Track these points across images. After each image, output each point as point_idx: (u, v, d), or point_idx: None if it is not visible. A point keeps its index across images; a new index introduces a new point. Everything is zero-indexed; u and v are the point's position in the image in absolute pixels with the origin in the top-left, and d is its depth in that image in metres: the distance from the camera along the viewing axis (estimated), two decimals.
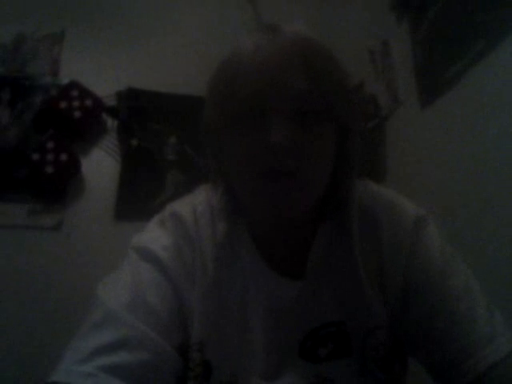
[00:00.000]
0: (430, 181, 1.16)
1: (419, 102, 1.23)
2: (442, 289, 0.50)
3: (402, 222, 0.54)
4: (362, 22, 1.62)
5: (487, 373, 0.44)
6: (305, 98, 0.46)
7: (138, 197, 1.58)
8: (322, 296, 0.54)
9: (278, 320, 0.54)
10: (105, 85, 1.63)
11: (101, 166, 1.60)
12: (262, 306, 0.54)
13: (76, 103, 1.55)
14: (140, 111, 1.65)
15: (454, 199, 1.04)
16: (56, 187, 1.52)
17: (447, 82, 1.10)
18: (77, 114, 1.55)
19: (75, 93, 1.56)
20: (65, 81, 1.59)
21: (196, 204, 0.58)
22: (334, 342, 0.53)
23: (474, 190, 0.98)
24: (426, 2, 1.22)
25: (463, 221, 0.98)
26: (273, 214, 0.48)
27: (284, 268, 0.55)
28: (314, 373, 0.53)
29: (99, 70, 1.65)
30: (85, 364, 0.42)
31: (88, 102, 1.57)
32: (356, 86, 1.59)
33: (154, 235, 0.56)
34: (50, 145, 1.50)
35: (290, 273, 0.55)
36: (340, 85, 0.49)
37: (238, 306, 0.54)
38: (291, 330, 0.54)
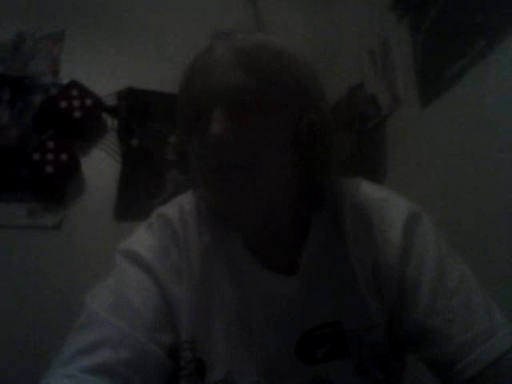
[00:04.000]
0: (430, 181, 1.16)
1: (419, 101, 1.23)
2: (437, 286, 0.49)
3: (393, 219, 0.54)
4: (361, 22, 1.62)
5: (487, 369, 0.44)
6: (241, 92, 0.47)
7: (138, 197, 1.58)
8: (317, 295, 0.54)
9: (275, 319, 0.53)
10: (105, 85, 1.62)
11: (101, 166, 1.60)
12: (257, 303, 0.54)
13: (76, 103, 1.55)
14: (140, 111, 1.65)
15: (454, 199, 1.04)
16: (56, 187, 1.52)
17: (447, 82, 1.10)
18: (77, 113, 1.54)
19: (75, 92, 1.56)
20: (65, 80, 1.59)
21: (183, 204, 0.59)
22: (331, 342, 0.53)
23: (474, 190, 0.98)
24: (426, 2, 1.22)
25: (463, 220, 0.98)
26: (230, 210, 0.50)
27: (277, 265, 0.55)
28: (312, 374, 0.52)
29: (99, 70, 1.65)
30: (67, 366, 0.43)
31: (88, 102, 1.57)
32: (356, 85, 1.59)
33: (140, 238, 0.57)
34: (50, 145, 1.50)
35: (283, 270, 0.54)
36: (284, 81, 0.49)
37: (232, 305, 0.54)
38: (288, 329, 0.53)
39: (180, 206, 0.58)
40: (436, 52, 1.17)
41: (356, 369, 0.52)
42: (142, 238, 0.56)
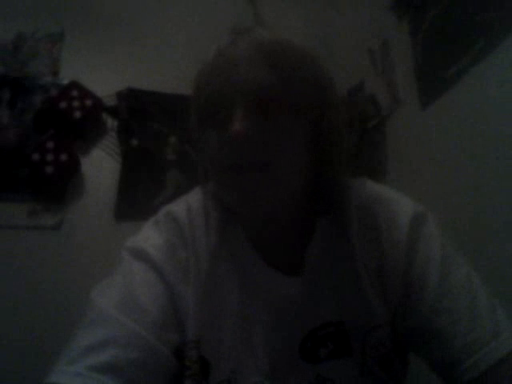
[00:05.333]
0: (430, 181, 1.16)
1: (419, 102, 1.23)
2: (441, 286, 0.49)
3: (399, 219, 0.54)
4: (362, 22, 1.62)
5: (490, 370, 0.44)
6: (265, 90, 0.46)
7: (137, 197, 1.58)
8: (321, 295, 0.54)
9: (278, 319, 0.53)
10: (105, 85, 1.62)
11: (101, 165, 1.59)
12: (261, 303, 0.54)
13: (76, 103, 1.55)
14: (140, 111, 1.65)
15: (454, 199, 1.04)
16: (56, 187, 1.52)
17: (447, 82, 1.10)
18: (77, 114, 1.54)
19: (75, 93, 1.56)
20: (65, 81, 1.59)
21: (191, 203, 0.58)
22: (334, 342, 0.53)
23: (474, 190, 0.98)
24: (426, 2, 1.22)
25: (463, 220, 0.98)
26: (245, 208, 0.49)
27: (282, 265, 0.55)
28: (315, 373, 0.53)
29: (99, 70, 1.65)
30: (75, 364, 0.43)
31: (88, 102, 1.57)
32: (356, 85, 1.59)
33: (147, 235, 0.56)
34: (50, 145, 1.50)
35: (288, 270, 0.54)
36: (307, 80, 0.49)
37: (237, 305, 0.54)
38: (291, 329, 0.53)
39: (188, 205, 0.58)
40: (436, 52, 1.17)
41: (359, 368, 0.52)
42: (149, 236, 0.56)
